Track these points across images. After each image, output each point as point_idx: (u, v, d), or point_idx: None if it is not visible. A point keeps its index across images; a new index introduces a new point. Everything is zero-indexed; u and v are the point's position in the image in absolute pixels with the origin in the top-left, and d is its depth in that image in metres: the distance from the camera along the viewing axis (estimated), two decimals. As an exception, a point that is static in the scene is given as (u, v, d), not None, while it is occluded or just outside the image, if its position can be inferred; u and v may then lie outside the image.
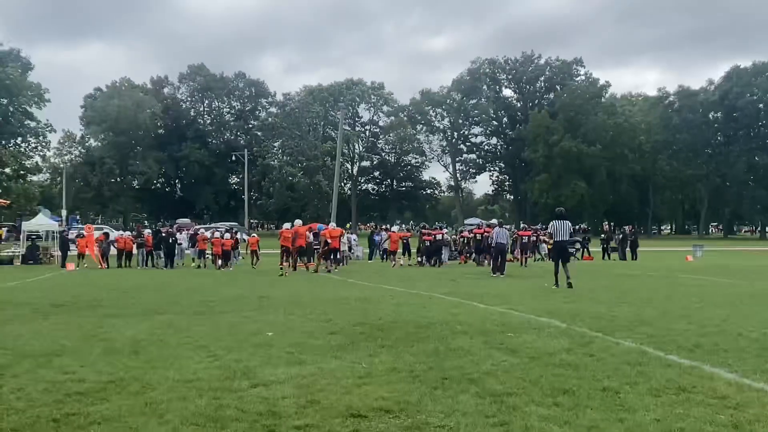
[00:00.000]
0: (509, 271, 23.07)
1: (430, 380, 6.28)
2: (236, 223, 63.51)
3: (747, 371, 6.62)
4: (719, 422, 4.99)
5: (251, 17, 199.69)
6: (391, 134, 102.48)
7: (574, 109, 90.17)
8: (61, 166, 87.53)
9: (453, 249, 33.61)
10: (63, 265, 30.20)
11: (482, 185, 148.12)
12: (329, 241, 24.93)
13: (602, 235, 39.55)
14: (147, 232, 32.72)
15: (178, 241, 31.50)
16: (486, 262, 27.91)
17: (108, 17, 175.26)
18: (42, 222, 38.38)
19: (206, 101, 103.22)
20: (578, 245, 36.02)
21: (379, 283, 18.56)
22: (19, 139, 76.94)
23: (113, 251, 32.41)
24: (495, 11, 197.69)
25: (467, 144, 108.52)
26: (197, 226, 51.21)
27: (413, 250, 31.88)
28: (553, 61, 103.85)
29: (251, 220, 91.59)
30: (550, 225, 17.37)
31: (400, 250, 30.93)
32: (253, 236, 33.76)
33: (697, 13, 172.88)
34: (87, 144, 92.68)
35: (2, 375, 6.73)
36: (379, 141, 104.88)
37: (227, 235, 30.70)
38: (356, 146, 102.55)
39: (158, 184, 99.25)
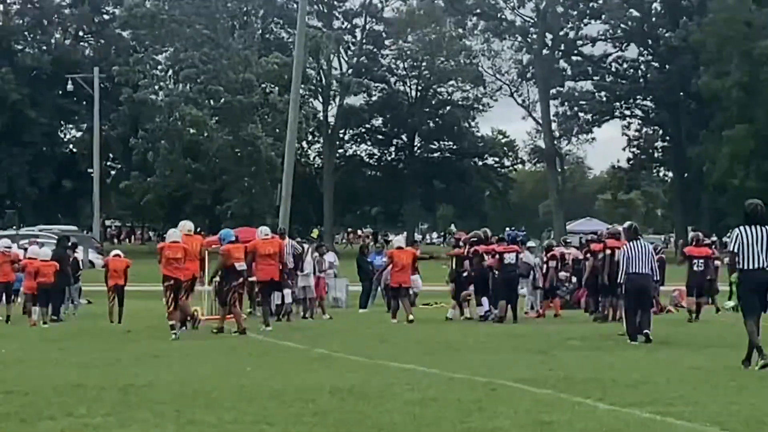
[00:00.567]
0: (659, 328, 11.83)
1: None
2: (75, 228, 42.81)
3: None
4: None
5: None
6: (409, 36, 57.26)
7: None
8: None
9: (537, 281, 17.65)
10: None
11: (605, 149, 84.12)
12: (261, 265, 13.65)
13: None
14: None
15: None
16: (611, 310, 15.23)
17: None
18: None
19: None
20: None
21: (381, 358, 9.93)
22: None
23: None
24: None
25: (574, 60, 58.81)
26: None
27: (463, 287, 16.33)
28: None
29: (108, 222, 60.57)
30: (735, 236, 8.72)
31: (418, 283, 18.07)
32: (117, 257, 18.31)
33: None
34: None
35: None
36: (385, 52, 59.20)
37: (51, 252, 16.75)
38: (337, 62, 56.41)
39: None
